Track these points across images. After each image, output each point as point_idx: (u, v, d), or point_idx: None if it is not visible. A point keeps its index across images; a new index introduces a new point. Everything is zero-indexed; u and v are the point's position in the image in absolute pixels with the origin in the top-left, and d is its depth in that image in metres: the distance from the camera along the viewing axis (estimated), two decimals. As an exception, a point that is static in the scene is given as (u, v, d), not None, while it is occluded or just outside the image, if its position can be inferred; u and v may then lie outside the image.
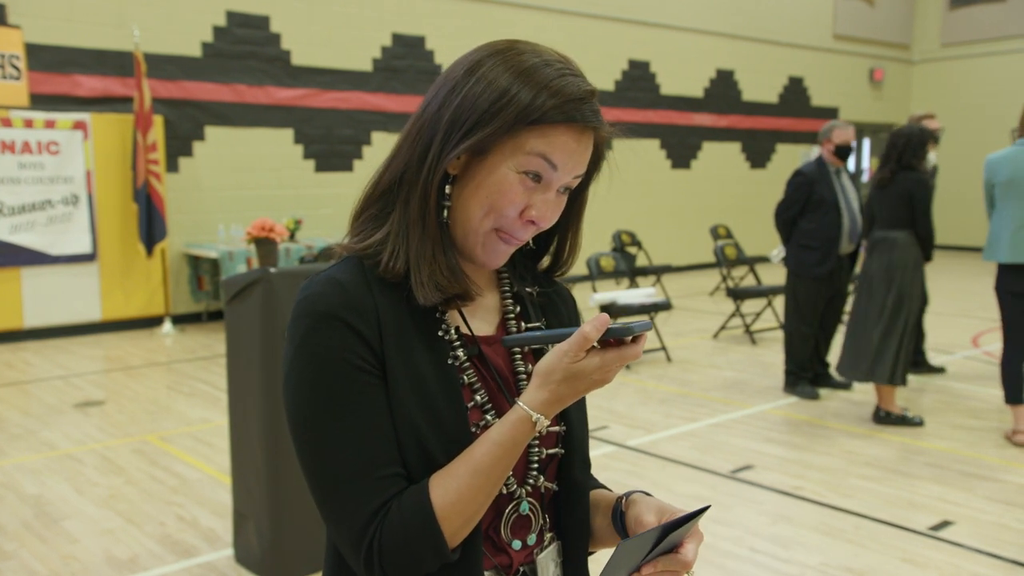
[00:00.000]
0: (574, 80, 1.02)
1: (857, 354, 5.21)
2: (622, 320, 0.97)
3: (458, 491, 0.98)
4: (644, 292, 7.22)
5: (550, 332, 0.99)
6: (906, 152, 5.10)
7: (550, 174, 1.03)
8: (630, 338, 0.96)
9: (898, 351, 5.10)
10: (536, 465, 1.11)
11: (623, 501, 1.15)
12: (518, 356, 1.13)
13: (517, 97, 0.99)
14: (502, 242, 1.06)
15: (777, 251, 6.43)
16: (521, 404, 0.97)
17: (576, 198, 1.15)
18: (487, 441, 0.98)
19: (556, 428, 1.14)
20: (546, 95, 1.00)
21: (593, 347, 0.96)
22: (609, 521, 1.17)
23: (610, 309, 6.67)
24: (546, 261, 1.21)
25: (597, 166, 1.12)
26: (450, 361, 1.06)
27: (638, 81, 12.34)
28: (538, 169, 1.02)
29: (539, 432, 1.01)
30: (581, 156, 1.04)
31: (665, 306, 7.18)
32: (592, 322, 0.94)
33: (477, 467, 0.98)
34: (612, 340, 0.96)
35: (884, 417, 5.27)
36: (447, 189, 1.05)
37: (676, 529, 1.00)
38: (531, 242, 1.18)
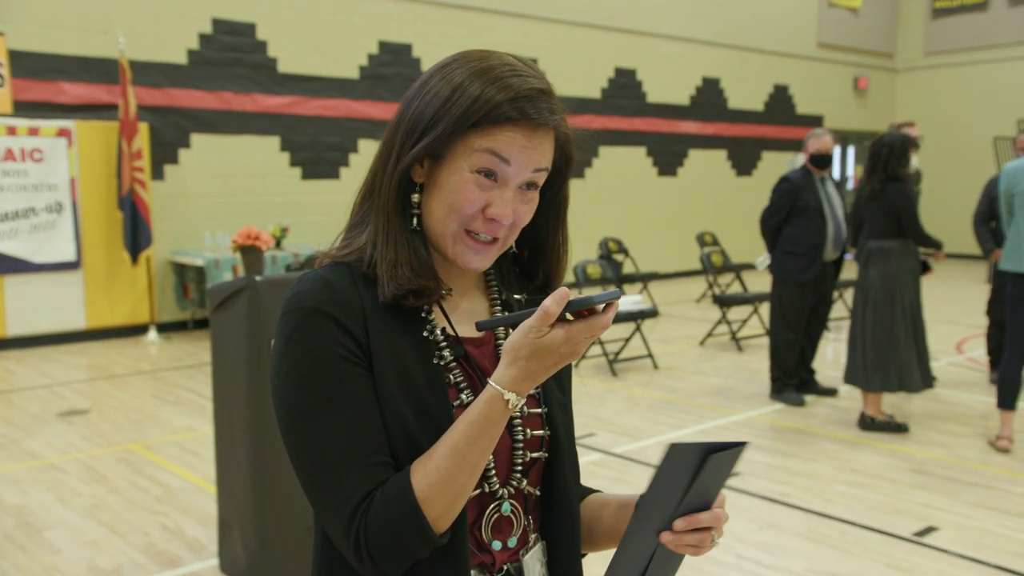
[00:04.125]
0: (525, 79, 1.04)
1: (865, 363, 5.22)
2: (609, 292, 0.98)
3: (437, 472, 0.99)
4: (630, 299, 7.24)
5: (520, 312, 0.99)
6: (891, 161, 5.13)
7: (504, 169, 1.04)
8: (601, 307, 0.96)
9: (920, 356, 5.19)
10: (520, 467, 1.12)
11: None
12: None
13: (462, 97, 1.03)
14: (471, 242, 1.07)
15: (762, 258, 6.46)
16: (491, 383, 0.99)
17: (553, 201, 1.16)
18: (463, 422, 1.00)
19: (540, 432, 1.14)
20: (492, 91, 1.02)
21: (564, 321, 0.96)
22: (626, 518, 1.16)
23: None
24: (540, 277, 1.22)
25: (568, 166, 1.13)
26: (436, 361, 1.08)
27: (624, 89, 12.38)
28: (489, 165, 1.04)
29: (518, 412, 1.03)
30: (535, 151, 1.05)
31: (651, 313, 7.20)
32: (552, 296, 0.95)
33: (454, 448, 0.99)
34: (585, 312, 0.97)
35: (870, 423, 5.30)
36: (415, 198, 1.09)
37: (718, 452, 0.99)
38: (515, 246, 1.19)
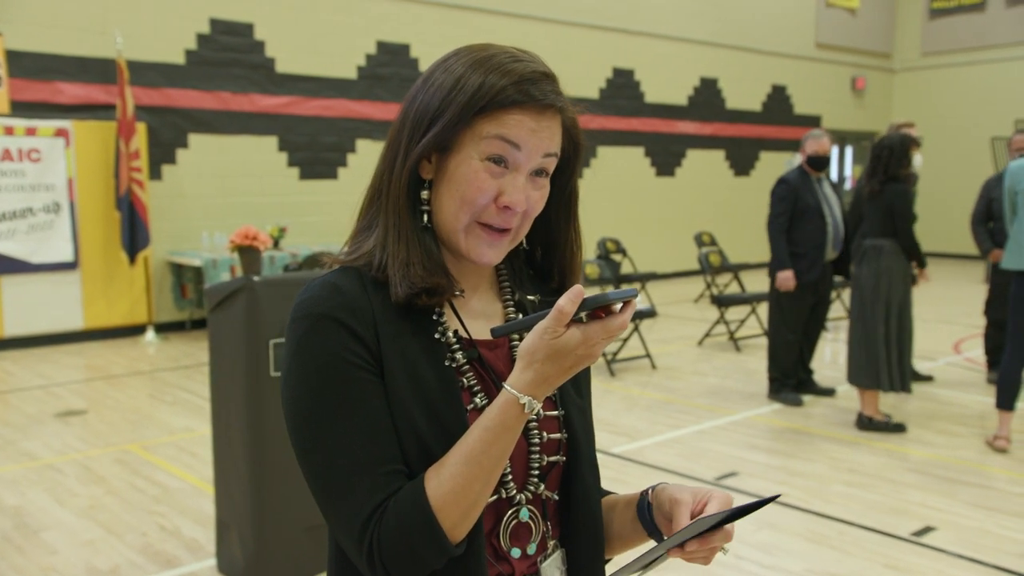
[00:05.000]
0: (526, 64, 1.04)
1: (858, 362, 5.23)
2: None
3: (452, 480, 0.96)
4: (629, 299, 7.23)
5: (534, 315, 0.97)
6: (891, 163, 5.14)
7: (515, 155, 1.03)
8: (619, 307, 0.94)
9: (900, 357, 5.17)
10: (536, 472, 1.09)
11: (649, 493, 1.14)
12: None
13: (467, 85, 1.02)
14: (485, 234, 1.06)
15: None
16: (507, 387, 0.96)
17: (563, 193, 1.15)
18: (477, 427, 0.98)
19: (557, 435, 1.12)
20: (495, 77, 1.02)
21: (578, 322, 0.94)
22: (630, 518, 1.16)
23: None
24: (556, 278, 1.20)
25: (577, 154, 1.12)
26: (448, 363, 1.06)
27: (622, 89, 12.38)
28: (500, 151, 1.03)
29: (534, 416, 1.00)
30: (544, 135, 1.04)
31: (650, 313, 7.20)
32: (567, 295, 0.92)
33: (469, 454, 0.97)
34: (601, 313, 0.94)
35: (867, 423, 5.30)
36: (424, 194, 1.08)
37: (743, 515, 0.99)
38: (526, 243, 1.18)
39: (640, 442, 5.12)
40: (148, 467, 4.67)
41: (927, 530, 3.83)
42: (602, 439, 5.14)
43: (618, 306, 0.94)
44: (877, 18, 16.26)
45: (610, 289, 0.89)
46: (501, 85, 1.01)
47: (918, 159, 5.42)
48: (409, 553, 0.96)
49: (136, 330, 8.45)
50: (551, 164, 1.07)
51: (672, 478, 4.48)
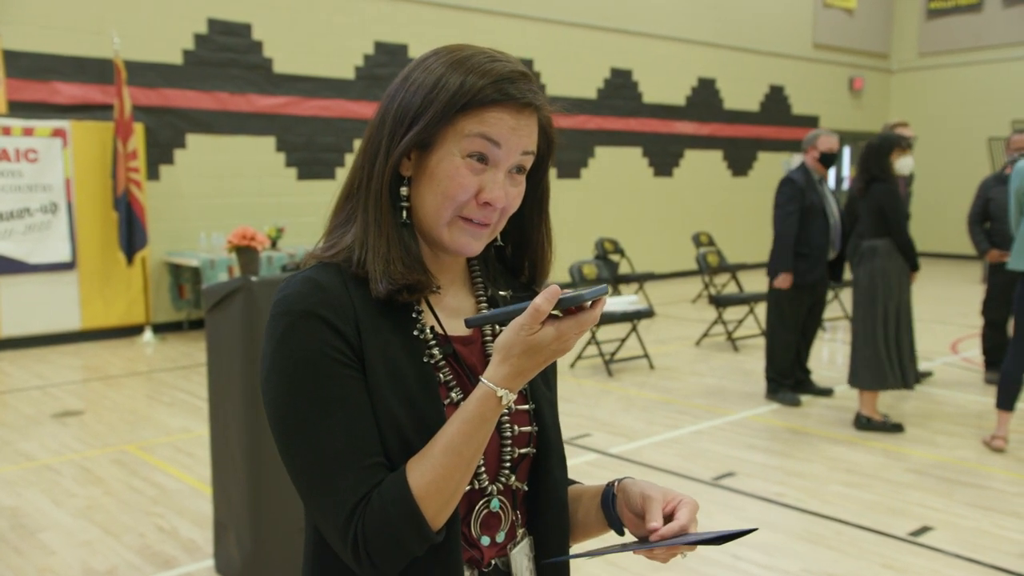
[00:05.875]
0: (503, 64, 1.06)
1: (861, 364, 5.23)
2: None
3: (433, 470, 1.00)
4: (626, 299, 7.24)
5: (508, 308, 1.00)
6: (871, 163, 5.16)
7: (495, 152, 1.05)
8: (589, 303, 0.98)
9: (900, 354, 5.18)
10: (508, 464, 1.13)
11: (615, 485, 1.17)
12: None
13: (448, 84, 1.04)
14: (467, 227, 1.08)
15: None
16: (484, 380, 1.00)
17: (536, 190, 1.17)
18: (456, 420, 1.01)
19: (528, 428, 1.15)
20: (475, 77, 1.04)
21: (552, 317, 0.97)
22: (595, 507, 1.19)
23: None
24: (526, 272, 1.23)
25: (550, 150, 1.15)
26: (425, 359, 1.09)
27: (620, 89, 12.38)
28: (481, 149, 1.05)
29: (507, 408, 1.04)
30: (523, 132, 1.06)
31: (647, 313, 7.20)
32: (543, 294, 0.96)
33: (449, 445, 1.00)
34: (573, 308, 0.98)
35: (865, 423, 5.30)
36: (404, 191, 1.09)
37: (722, 542, 1.02)
38: (499, 239, 1.20)
39: (638, 442, 5.12)
40: (146, 468, 4.67)
41: (924, 530, 3.83)
42: (599, 439, 5.14)
43: (589, 302, 0.98)
44: (874, 18, 16.28)
45: (584, 289, 0.94)
46: (481, 85, 1.03)
47: (906, 162, 5.39)
48: (394, 542, 0.99)
49: (134, 330, 8.44)
50: (528, 161, 1.09)
51: (670, 478, 4.48)
